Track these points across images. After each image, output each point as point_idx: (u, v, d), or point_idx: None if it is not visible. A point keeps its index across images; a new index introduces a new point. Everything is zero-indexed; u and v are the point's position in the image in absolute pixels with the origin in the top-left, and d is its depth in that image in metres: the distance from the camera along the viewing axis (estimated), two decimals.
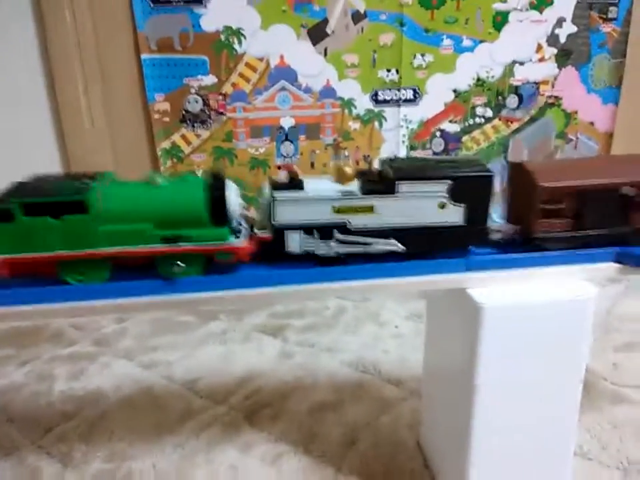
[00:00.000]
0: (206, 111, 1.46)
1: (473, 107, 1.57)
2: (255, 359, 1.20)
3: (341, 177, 0.66)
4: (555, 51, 1.57)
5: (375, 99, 1.52)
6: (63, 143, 1.41)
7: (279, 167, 1.52)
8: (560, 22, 1.56)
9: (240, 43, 1.41)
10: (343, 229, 0.65)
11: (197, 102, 1.45)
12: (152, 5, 1.35)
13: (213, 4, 1.37)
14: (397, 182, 0.64)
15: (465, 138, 1.60)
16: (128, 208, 0.61)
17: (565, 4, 1.55)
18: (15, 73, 1.35)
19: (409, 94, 1.53)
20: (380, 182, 0.66)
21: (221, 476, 0.89)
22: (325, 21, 1.43)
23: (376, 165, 0.72)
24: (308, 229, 0.65)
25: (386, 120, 1.55)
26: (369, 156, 1.58)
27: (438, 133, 1.59)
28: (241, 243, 0.63)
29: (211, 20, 1.39)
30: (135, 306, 0.64)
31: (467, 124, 1.59)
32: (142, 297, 0.64)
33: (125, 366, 1.19)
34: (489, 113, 1.58)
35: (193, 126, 1.47)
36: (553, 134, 1.64)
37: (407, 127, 1.57)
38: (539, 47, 1.56)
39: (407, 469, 0.88)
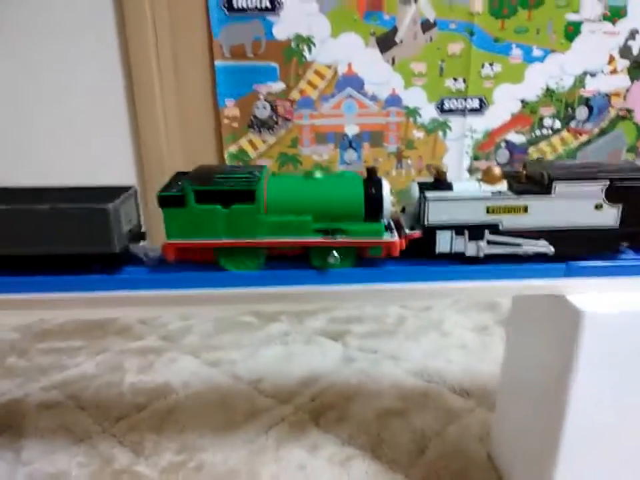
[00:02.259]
0: (273, 117, 1.48)
1: (541, 118, 1.55)
2: (317, 362, 1.21)
3: (490, 178, 0.67)
4: (627, 63, 1.53)
5: (441, 107, 1.52)
6: (138, 143, 1.46)
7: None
8: (633, 34, 1.52)
9: (310, 50, 1.44)
10: (495, 229, 0.65)
11: (265, 108, 1.48)
12: (227, 13, 1.39)
13: (285, 12, 1.40)
14: (553, 182, 0.64)
15: (530, 149, 1.57)
16: (291, 200, 0.64)
17: (639, 16, 1.51)
18: (97, 77, 1.41)
19: (475, 103, 1.52)
20: (533, 183, 0.66)
21: (291, 474, 0.89)
22: (394, 30, 1.44)
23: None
24: (459, 229, 0.65)
25: (451, 129, 1.54)
26: (430, 165, 1.57)
27: (503, 144, 1.57)
28: (395, 238, 0.65)
29: (283, 28, 1.42)
30: (288, 295, 0.66)
31: (533, 135, 1.56)
32: (295, 286, 0.66)
33: (191, 362, 1.22)
34: (557, 124, 1.55)
35: (260, 131, 1.50)
36: (624, 148, 1.59)
37: (472, 137, 1.55)
38: (611, 59, 1.52)
39: None
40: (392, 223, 0.68)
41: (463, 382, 1.11)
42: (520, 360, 0.82)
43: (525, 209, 0.65)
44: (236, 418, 1.03)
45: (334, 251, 0.64)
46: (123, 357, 1.25)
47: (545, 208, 0.65)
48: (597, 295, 0.65)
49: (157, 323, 1.39)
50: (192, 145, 1.50)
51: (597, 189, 0.64)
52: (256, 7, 1.39)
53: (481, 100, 1.51)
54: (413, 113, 1.51)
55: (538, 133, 1.56)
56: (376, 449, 0.94)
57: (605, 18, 1.49)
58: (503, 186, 0.66)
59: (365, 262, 0.66)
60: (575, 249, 0.66)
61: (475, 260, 0.66)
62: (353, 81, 1.47)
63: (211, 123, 1.49)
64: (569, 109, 1.54)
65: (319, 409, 1.04)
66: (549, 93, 1.52)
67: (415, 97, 1.50)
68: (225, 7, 1.39)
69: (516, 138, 1.56)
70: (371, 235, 0.64)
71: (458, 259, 0.66)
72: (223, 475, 0.89)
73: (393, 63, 1.46)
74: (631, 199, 0.64)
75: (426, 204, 0.65)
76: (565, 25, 1.47)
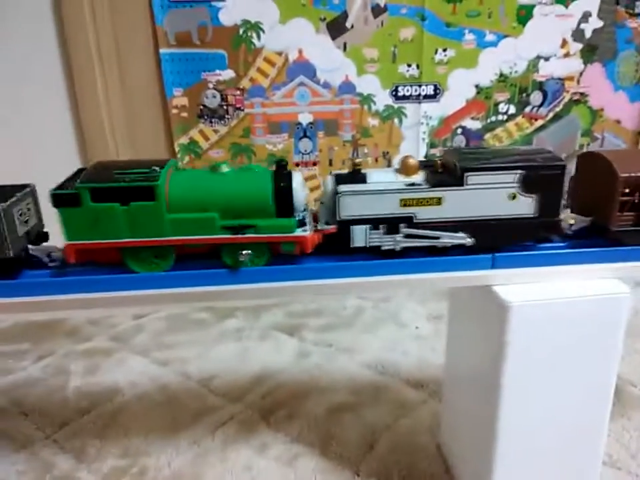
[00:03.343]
0: (224, 106, 1.44)
1: (496, 104, 1.53)
2: (272, 358, 1.18)
3: (405, 169, 0.64)
4: (580, 46, 1.53)
5: (395, 94, 1.49)
6: (82, 137, 1.40)
7: (297, 165, 1.51)
8: (586, 16, 1.51)
9: (258, 37, 1.39)
10: (410, 222, 0.64)
11: (214, 97, 1.43)
12: None
13: None
14: (465, 173, 0.62)
15: (487, 135, 1.56)
16: (195, 196, 0.61)
17: None
18: (33, 66, 1.34)
19: (430, 90, 1.50)
20: (448, 173, 0.65)
21: (237, 476, 0.87)
22: (345, 15, 1.41)
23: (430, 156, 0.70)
24: (374, 223, 0.63)
25: (406, 116, 1.52)
26: (387, 153, 1.55)
27: (459, 130, 1.55)
28: (306, 233, 0.62)
29: (230, 13, 1.37)
30: (198, 295, 0.64)
31: (489, 121, 1.55)
32: (206, 287, 0.63)
33: (141, 362, 1.18)
34: (512, 110, 1.55)
35: (211, 121, 1.45)
36: (578, 132, 1.60)
37: (427, 124, 1.53)
38: (564, 42, 1.52)
39: (427, 473, 0.86)
40: (308, 217, 0.65)
41: (417, 373, 1.10)
42: (459, 351, 0.81)
43: (439, 201, 0.63)
44: (183, 419, 1.00)
45: (245, 249, 0.61)
46: (69, 360, 1.20)
47: (458, 199, 0.63)
48: (523, 286, 0.64)
49: (107, 323, 1.35)
50: (140, 138, 1.45)
51: (510, 178, 0.63)
52: None
53: (435, 86, 1.49)
54: (367, 100, 1.48)
55: (493, 118, 1.55)
56: (325, 446, 0.92)
57: (557, 1, 1.47)
58: (418, 177, 0.64)
59: (280, 258, 0.64)
60: (493, 239, 0.65)
61: (393, 254, 0.64)
62: (305, 68, 1.44)
63: (159, 114, 1.43)
64: (523, 94, 1.53)
65: (269, 407, 1.02)
66: (502, 78, 1.51)
67: (369, 84, 1.47)
68: None
69: (472, 124, 1.55)
70: (281, 231, 0.61)
71: (376, 253, 0.65)
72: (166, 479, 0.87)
73: (345, 48, 1.43)
74: (545, 188, 0.63)
75: (339, 198, 0.62)
76: (517, 9, 1.45)
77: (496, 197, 0.63)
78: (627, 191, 0.64)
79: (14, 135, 1.37)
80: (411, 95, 1.50)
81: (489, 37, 1.47)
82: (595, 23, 1.51)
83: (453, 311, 0.82)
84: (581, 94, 1.56)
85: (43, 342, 1.28)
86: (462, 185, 0.63)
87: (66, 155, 1.41)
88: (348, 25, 1.41)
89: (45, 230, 0.69)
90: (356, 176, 0.64)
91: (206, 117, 1.45)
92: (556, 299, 0.62)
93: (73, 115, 1.39)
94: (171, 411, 1.02)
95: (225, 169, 0.63)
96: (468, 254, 0.65)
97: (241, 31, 1.38)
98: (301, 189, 0.62)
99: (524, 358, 0.63)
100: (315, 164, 1.53)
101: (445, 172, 0.65)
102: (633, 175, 0.64)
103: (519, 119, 1.56)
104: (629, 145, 1.63)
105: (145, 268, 0.63)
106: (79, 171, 0.65)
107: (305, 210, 0.66)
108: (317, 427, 0.97)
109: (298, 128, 1.49)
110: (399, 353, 1.18)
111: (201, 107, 1.44)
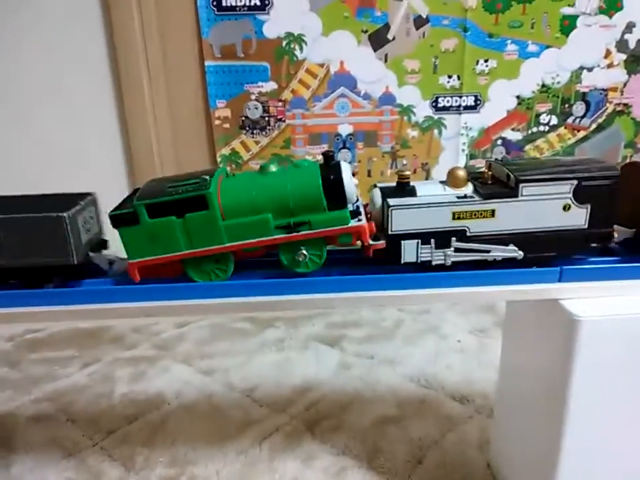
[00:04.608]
0: (265, 117, 1.46)
1: (537, 115, 1.52)
2: (313, 369, 1.18)
3: (454, 181, 0.63)
4: (624, 56, 1.50)
5: (435, 105, 1.49)
6: (129, 146, 1.43)
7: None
8: (630, 27, 1.49)
9: (301, 49, 1.41)
10: (462, 235, 0.62)
11: (256, 108, 1.45)
12: (217, 12, 1.36)
13: (275, 10, 1.37)
14: (521, 184, 0.61)
15: (527, 147, 1.55)
16: (247, 200, 0.60)
17: (635, 9, 1.48)
18: (84, 81, 1.39)
19: (470, 100, 1.49)
20: (500, 185, 0.63)
21: None
22: (387, 27, 1.42)
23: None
24: (425, 237, 0.62)
25: (446, 127, 1.51)
26: (427, 164, 1.54)
27: (499, 141, 1.54)
28: (361, 223, 0.61)
29: (273, 26, 1.39)
30: (259, 304, 0.63)
31: (530, 132, 1.53)
32: (267, 296, 0.63)
33: (184, 371, 1.19)
34: (554, 121, 1.53)
35: (252, 132, 1.47)
36: (622, 143, 1.57)
37: (467, 135, 1.53)
38: (608, 53, 1.50)
39: None
40: (360, 207, 0.64)
41: (462, 387, 1.09)
42: (516, 366, 0.79)
43: (492, 213, 0.62)
44: (229, 428, 1.00)
45: (301, 247, 0.60)
46: (114, 367, 1.22)
47: (512, 211, 0.62)
48: (590, 300, 0.62)
49: (150, 331, 1.37)
50: (184, 148, 1.48)
51: (564, 189, 0.61)
52: (245, 5, 1.36)
53: (476, 97, 1.49)
54: (407, 111, 1.49)
55: (535, 129, 1.53)
56: (372, 459, 0.91)
57: (601, 11, 1.46)
58: (468, 189, 0.63)
59: (335, 270, 0.64)
60: (544, 252, 0.63)
61: (443, 268, 0.63)
62: (346, 80, 1.45)
63: (202, 124, 1.46)
64: (566, 104, 1.51)
65: (314, 418, 1.02)
66: (544, 88, 1.49)
67: (409, 95, 1.47)
68: (213, 5, 1.36)
69: (512, 135, 1.53)
70: (336, 224, 0.60)
71: (426, 268, 0.63)
72: None
73: (386, 60, 1.44)
74: (599, 199, 0.62)
75: (389, 212, 0.61)
76: (560, 19, 1.44)
77: (550, 207, 0.62)
78: None
79: (63, 138, 1.41)
80: (451, 106, 1.49)
81: (532, 48, 1.46)
82: (639, 33, 1.49)
83: (509, 324, 0.80)
84: (625, 105, 1.54)
85: (88, 349, 1.30)
86: (516, 196, 0.61)
87: (113, 160, 1.45)
88: (390, 36, 1.42)
89: (104, 238, 0.70)
90: (404, 189, 0.63)
91: (248, 128, 1.47)
92: (628, 314, 0.61)
93: (121, 125, 1.42)
94: (217, 420, 1.03)
95: (273, 168, 0.62)
96: (518, 267, 0.64)
97: (284, 44, 1.40)
98: (350, 180, 0.61)
99: (591, 376, 0.62)
100: (353, 175, 1.53)
101: (496, 183, 0.64)
102: None
103: (561, 129, 1.54)
104: None
105: (207, 278, 0.63)
106: (135, 192, 0.65)
107: (357, 200, 0.64)
108: (363, 439, 0.96)
109: (337, 139, 1.50)
110: (442, 366, 1.17)
111: (243, 119, 1.46)
